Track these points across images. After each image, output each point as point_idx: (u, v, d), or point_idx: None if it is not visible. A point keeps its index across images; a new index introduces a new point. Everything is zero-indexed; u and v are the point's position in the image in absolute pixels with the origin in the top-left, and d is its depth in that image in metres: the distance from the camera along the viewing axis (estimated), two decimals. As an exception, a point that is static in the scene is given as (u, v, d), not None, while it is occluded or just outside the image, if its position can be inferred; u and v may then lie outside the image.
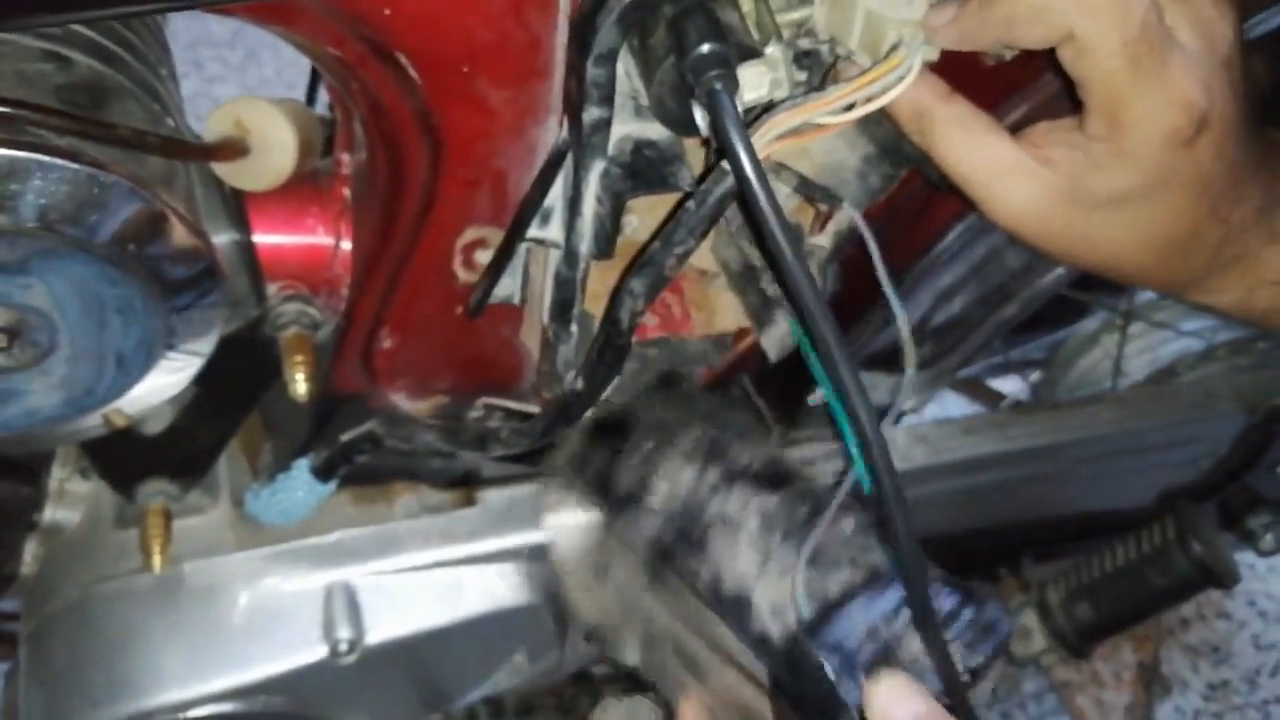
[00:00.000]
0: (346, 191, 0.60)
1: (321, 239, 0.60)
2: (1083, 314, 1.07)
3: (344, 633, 0.65)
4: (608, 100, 0.44)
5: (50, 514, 0.69)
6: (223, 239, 0.57)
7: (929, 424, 0.82)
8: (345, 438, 0.63)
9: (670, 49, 0.41)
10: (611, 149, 0.46)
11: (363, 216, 0.59)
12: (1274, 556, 1.03)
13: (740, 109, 0.39)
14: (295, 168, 0.55)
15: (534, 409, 0.65)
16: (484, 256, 0.55)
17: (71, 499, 0.69)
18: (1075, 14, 0.40)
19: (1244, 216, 0.47)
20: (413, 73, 0.47)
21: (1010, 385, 1.17)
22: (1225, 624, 1.52)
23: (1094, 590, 0.84)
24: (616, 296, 0.48)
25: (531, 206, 0.50)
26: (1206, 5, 0.44)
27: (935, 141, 0.46)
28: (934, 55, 0.44)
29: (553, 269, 0.52)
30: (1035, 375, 1.15)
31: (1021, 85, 0.61)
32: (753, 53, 0.42)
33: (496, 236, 0.55)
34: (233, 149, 0.52)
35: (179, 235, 0.49)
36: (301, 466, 0.64)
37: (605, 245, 0.49)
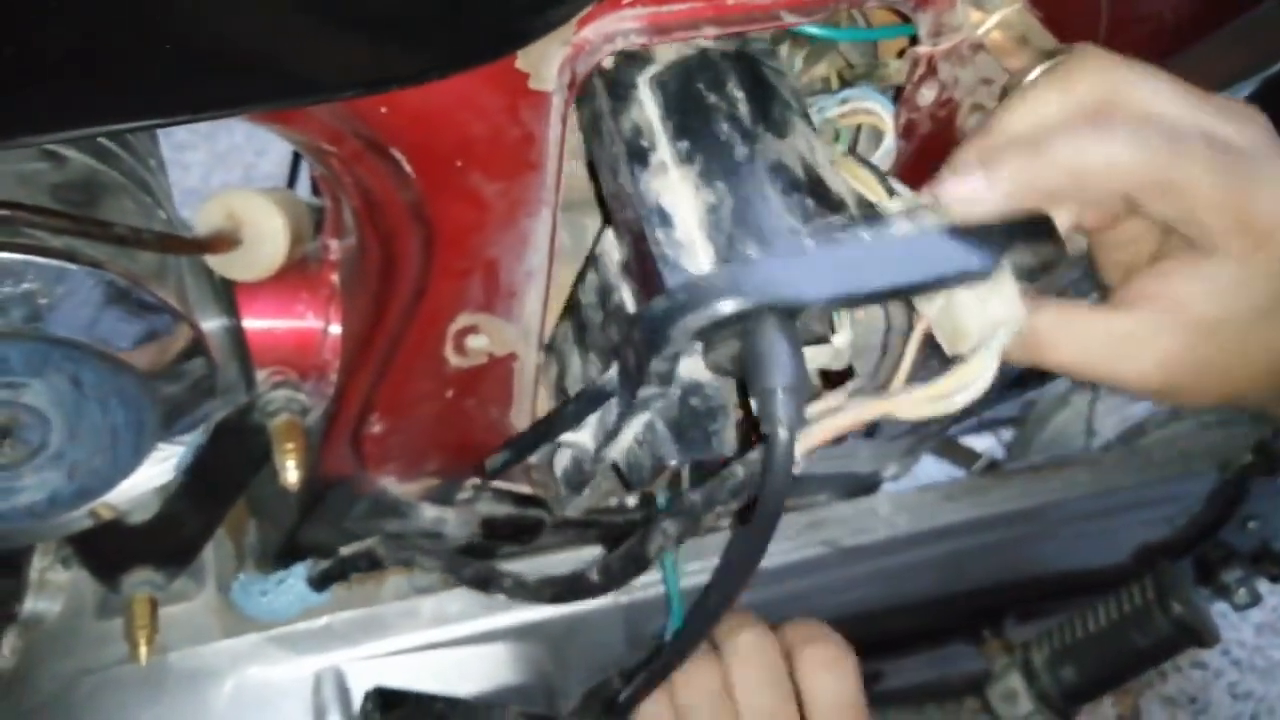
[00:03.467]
0: (335, 277, 0.60)
1: (311, 324, 0.60)
2: (1054, 375, 1.09)
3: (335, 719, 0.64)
4: (665, 382, 0.44)
5: (31, 605, 0.67)
6: (212, 326, 0.57)
7: (912, 492, 0.83)
8: (345, 552, 0.63)
9: (737, 333, 0.40)
10: None
11: (352, 302, 0.59)
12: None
13: (795, 443, 0.40)
14: (286, 257, 0.55)
15: (524, 489, 0.65)
16: (475, 342, 0.56)
17: (52, 589, 0.68)
18: (1159, 164, 0.40)
19: None
20: (407, 167, 0.48)
21: (984, 443, 1.18)
22: (1201, 674, 1.53)
23: (1078, 652, 0.85)
24: (650, 529, 0.47)
25: (563, 423, 0.50)
26: (1227, 105, 0.43)
27: (1045, 356, 0.44)
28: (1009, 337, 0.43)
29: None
30: (1009, 434, 1.16)
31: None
32: (820, 339, 0.43)
33: (488, 323, 0.55)
34: (225, 241, 0.53)
35: (173, 330, 0.50)
36: (298, 574, 0.64)
37: (638, 483, 0.48)
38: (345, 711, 0.65)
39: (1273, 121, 0.72)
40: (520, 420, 0.61)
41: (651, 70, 0.47)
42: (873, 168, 0.46)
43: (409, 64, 0.40)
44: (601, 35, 0.44)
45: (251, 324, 0.59)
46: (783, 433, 0.39)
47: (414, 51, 0.40)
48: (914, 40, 0.52)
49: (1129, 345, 0.43)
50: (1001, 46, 0.51)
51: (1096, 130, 0.41)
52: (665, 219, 0.43)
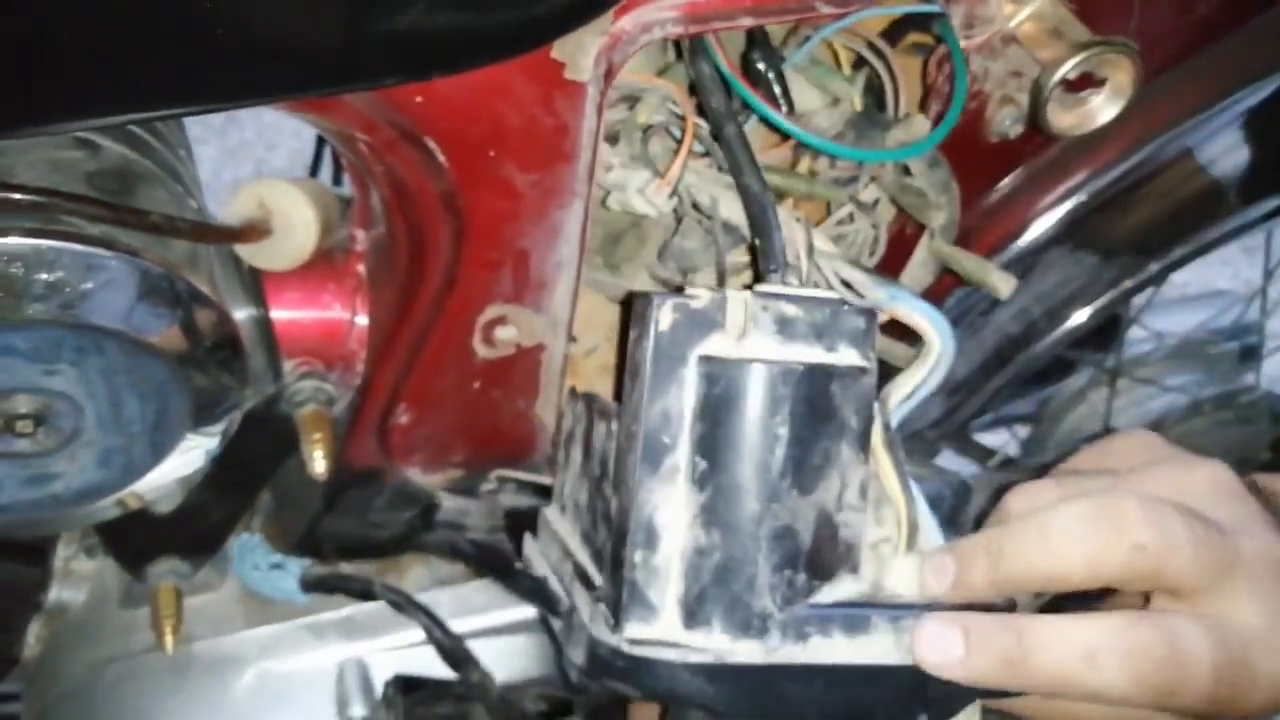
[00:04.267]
0: (361, 267, 0.61)
1: (338, 314, 0.60)
2: (1070, 371, 1.09)
3: (358, 710, 0.64)
4: None
5: (55, 594, 0.68)
6: (241, 316, 0.57)
7: (935, 488, 0.83)
8: (345, 570, 0.64)
9: None
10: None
11: (379, 292, 0.60)
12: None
13: None
14: (316, 247, 0.55)
15: (547, 480, 0.65)
16: (504, 333, 0.56)
17: (76, 578, 0.68)
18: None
19: None
20: (440, 156, 0.48)
21: (1000, 439, 1.18)
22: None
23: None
24: None
25: (515, 588, 0.53)
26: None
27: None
28: None
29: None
30: (1025, 430, 1.16)
31: (1023, 158, 0.64)
32: None
33: (517, 314, 0.55)
34: (257, 231, 0.53)
35: (206, 318, 0.50)
36: (292, 570, 0.64)
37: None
38: (368, 702, 0.65)
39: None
40: (546, 411, 0.61)
41: (711, 344, 0.40)
42: (905, 484, 0.43)
43: (449, 53, 0.40)
44: (639, 25, 0.44)
45: (279, 314, 0.59)
46: None
47: (454, 40, 0.40)
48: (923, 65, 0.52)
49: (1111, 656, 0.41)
50: (1034, 38, 0.51)
51: (1098, 662, 0.38)
52: (651, 539, 0.40)
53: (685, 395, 0.40)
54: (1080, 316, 0.77)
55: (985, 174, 0.64)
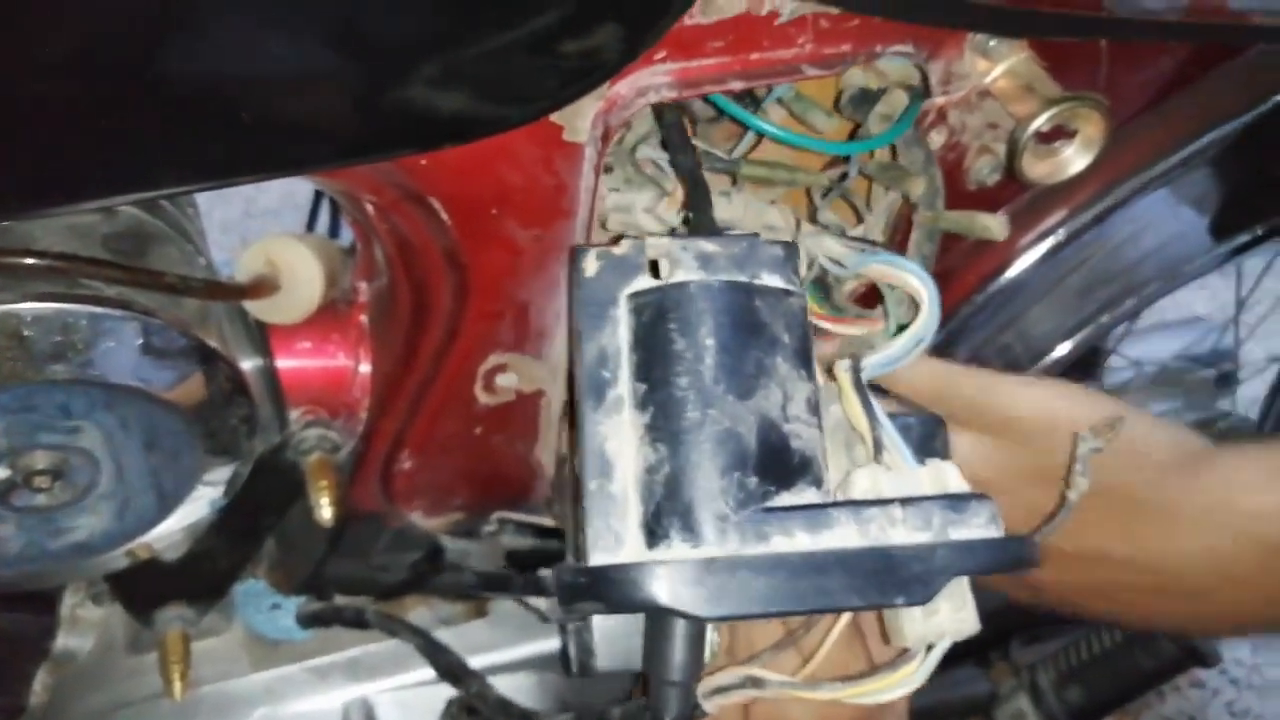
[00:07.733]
0: (364, 317, 0.62)
1: (342, 363, 0.62)
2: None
3: (364, 751, 0.65)
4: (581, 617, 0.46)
5: (62, 641, 0.69)
6: (249, 368, 0.59)
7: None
8: (340, 602, 0.65)
9: None
10: None
11: (382, 342, 0.61)
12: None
13: None
14: (321, 300, 0.57)
15: (547, 521, 0.67)
16: (505, 380, 0.58)
17: (83, 625, 0.69)
18: None
19: None
20: (444, 215, 0.49)
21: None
22: (1200, 693, 1.55)
23: (1083, 673, 0.87)
24: None
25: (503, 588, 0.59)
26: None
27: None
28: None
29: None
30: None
31: (1002, 202, 0.66)
32: None
33: (518, 362, 0.57)
34: (265, 287, 0.54)
35: (217, 373, 0.51)
36: (289, 608, 0.66)
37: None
38: (374, 742, 0.66)
39: (1261, 160, 0.74)
40: (545, 455, 0.63)
41: (637, 284, 0.44)
42: (868, 407, 0.44)
43: (457, 127, 0.42)
44: (634, 90, 0.46)
45: (285, 364, 0.60)
46: None
47: (462, 116, 0.42)
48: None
49: None
50: (1008, 94, 0.53)
51: None
52: (605, 469, 0.41)
53: (620, 331, 0.43)
54: (1061, 350, 0.79)
55: (965, 218, 0.66)
